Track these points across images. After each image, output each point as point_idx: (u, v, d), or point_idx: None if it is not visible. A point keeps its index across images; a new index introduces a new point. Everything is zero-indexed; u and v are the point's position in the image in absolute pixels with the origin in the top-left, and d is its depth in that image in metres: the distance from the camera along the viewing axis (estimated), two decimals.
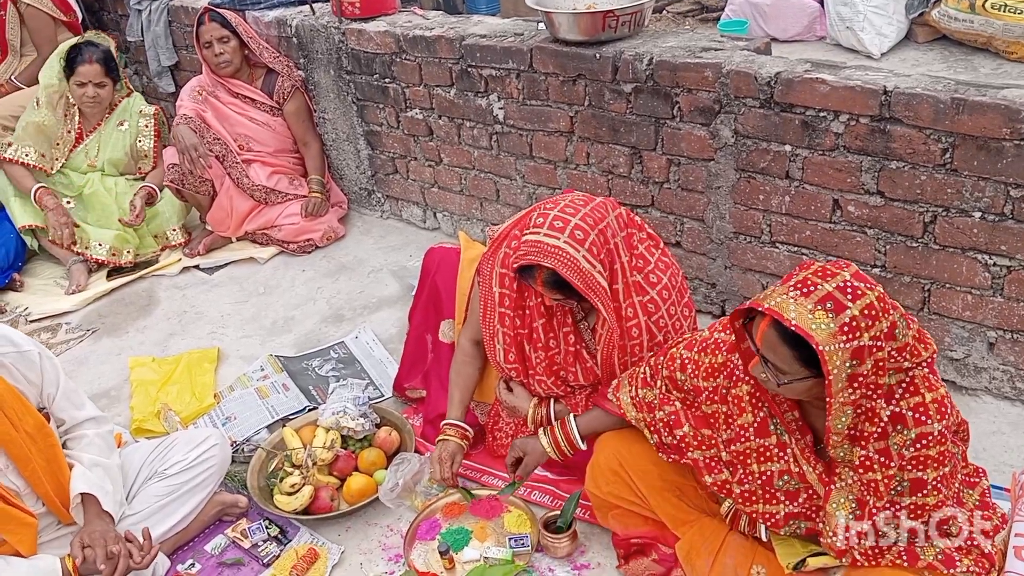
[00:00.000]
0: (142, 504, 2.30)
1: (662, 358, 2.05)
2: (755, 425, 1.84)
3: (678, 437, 1.98)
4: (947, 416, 1.65)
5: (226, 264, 3.88)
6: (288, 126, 3.91)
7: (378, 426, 2.66)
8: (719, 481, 1.93)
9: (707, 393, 1.92)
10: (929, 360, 1.68)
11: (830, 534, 1.77)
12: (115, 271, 3.87)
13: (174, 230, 3.99)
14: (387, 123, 3.73)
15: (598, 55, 2.84)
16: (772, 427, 1.83)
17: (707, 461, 1.95)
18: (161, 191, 3.96)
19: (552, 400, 2.34)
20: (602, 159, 3.03)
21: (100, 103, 3.88)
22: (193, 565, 2.35)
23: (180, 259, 3.93)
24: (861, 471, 1.70)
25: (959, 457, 1.85)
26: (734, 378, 1.87)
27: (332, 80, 3.80)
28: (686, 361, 1.96)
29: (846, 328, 1.54)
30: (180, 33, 4.54)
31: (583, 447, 2.19)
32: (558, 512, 2.26)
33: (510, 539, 2.26)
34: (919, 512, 1.71)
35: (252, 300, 3.60)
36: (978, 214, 2.30)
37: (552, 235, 2.01)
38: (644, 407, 2.04)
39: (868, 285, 1.60)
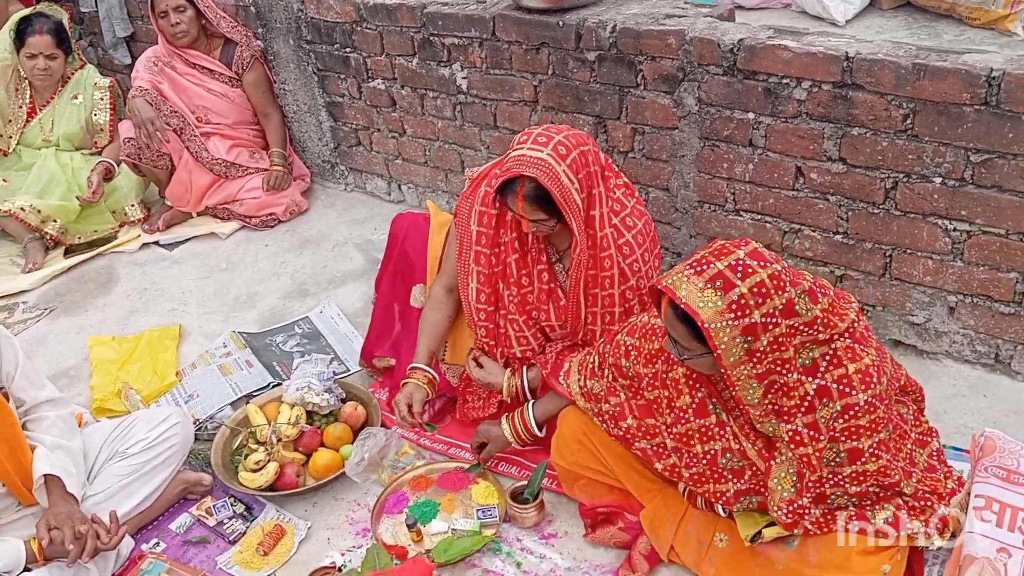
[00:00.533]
0: (104, 484, 2.26)
1: (609, 346, 2.05)
2: (694, 406, 1.87)
3: (623, 429, 2.00)
4: (873, 385, 1.67)
5: (187, 240, 3.81)
6: (247, 97, 3.83)
7: (343, 401, 2.64)
8: (668, 466, 1.96)
9: (648, 379, 1.95)
10: (849, 330, 1.69)
11: (775, 509, 1.80)
12: (73, 248, 3.78)
13: (132, 205, 3.91)
14: (349, 94, 3.67)
15: (561, 23, 2.80)
16: (711, 407, 1.86)
17: (654, 449, 1.98)
18: (119, 166, 3.87)
19: (525, 368, 2.35)
20: None
21: (51, 76, 3.77)
22: (158, 544, 2.33)
23: (139, 235, 3.85)
24: (792, 446, 1.73)
25: (910, 417, 1.88)
26: (671, 362, 1.89)
27: (292, 50, 3.73)
28: (629, 348, 1.98)
29: (734, 306, 1.58)
30: (135, 2, 4.40)
31: (540, 434, 2.25)
32: (525, 483, 2.26)
33: (478, 511, 2.26)
34: (862, 478, 1.73)
35: (214, 276, 3.54)
36: (938, 179, 2.31)
37: (536, 148, 2.05)
38: (592, 397, 2.07)
39: (761, 263, 1.62)
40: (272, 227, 3.83)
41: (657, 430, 1.95)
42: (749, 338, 1.60)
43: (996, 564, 1.84)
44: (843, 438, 1.69)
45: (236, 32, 3.75)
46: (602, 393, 2.04)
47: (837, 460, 1.72)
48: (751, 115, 2.55)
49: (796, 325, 1.63)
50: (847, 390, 1.66)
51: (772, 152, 2.57)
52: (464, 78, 3.20)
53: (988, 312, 2.41)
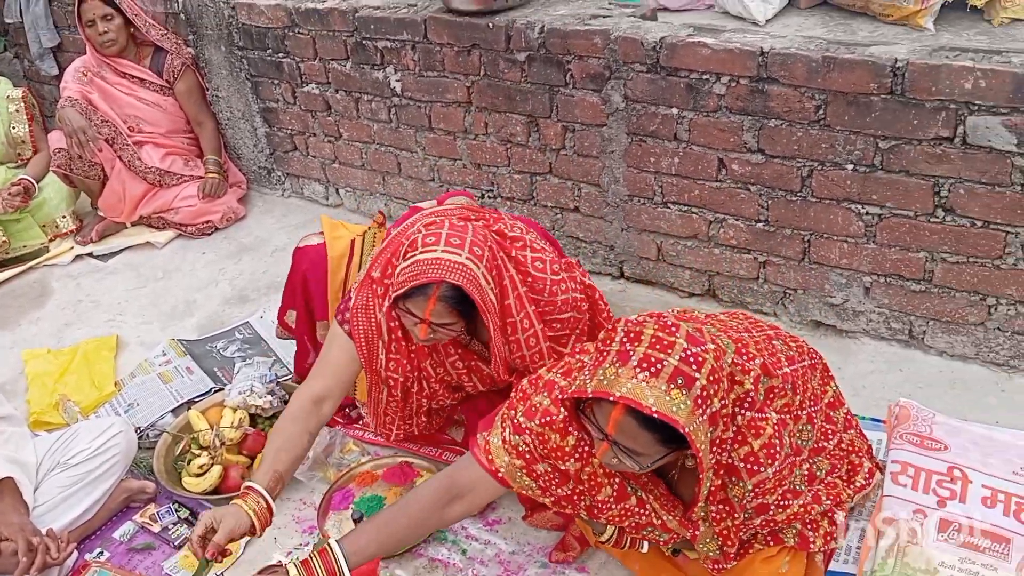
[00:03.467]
0: (46, 496, 2.25)
1: (521, 429, 1.78)
2: (614, 495, 1.77)
3: (564, 492, 1.81)
4: (777, 456, 1.64)
5: (121, 250, 3.77)
6: (180, 105, 3.81)
7: (286, 403, 2.66)
8: (608, 517, 1.85)
9: (564, 470, 1.76)
10: (749, 398, 1.63)
11: (703, 563, 1.82)
12: (2, 263, 3.71)
13: (64, 217, 3.85)
14: (283, 99, 3.68)
15: (491, 24, 2.87)
16: (629, 490, 1.77)
17: (586, 509, 1.85)
18: (39, 181, 3.80)
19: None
20: (500, 128, 3.07)
21: None
22: (102, 553, 2.32)
23: (72, 247, 3.81)
24: (714, 524, 1.71)
25: (815, 428, 1.85)
26: (585, 459, 1.74)
27: (224, 56, 3.72)
28: (536, 443, 1.76)
29: (699, 400, 1.48)
30: (61, 12, 4.36)
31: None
32: None
33: None
34: (772, 524, 1.75)
35: (150, 285, 3.52)
36: (850, 166, 2.44)
37: (452, 252, 1.92)
38: (519, 455, 1.79)
39: (703, 347, 1.52)
40: (209, 235, 3.81)
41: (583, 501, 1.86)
42: (712, 428, 1.53)
43: (913, 525, 1.96)
44: (752, 499, 1.69)
45: (166, 40, 3.73)
46: (529, 456, 1.78)
47: (747, 515, 1.73)
48: (675, 110, 2.65)
49: (736, 399, 1.60)
50: (755, 467, 1.64)
51: (695, 145, 2.67)
52: (398, 81, 3.24)
53: (901, 291, 2.55)
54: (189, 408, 2.66)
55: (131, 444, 2.40)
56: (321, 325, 2.61)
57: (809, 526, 1.80)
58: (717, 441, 1.55)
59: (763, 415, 1.64)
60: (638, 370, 1.48)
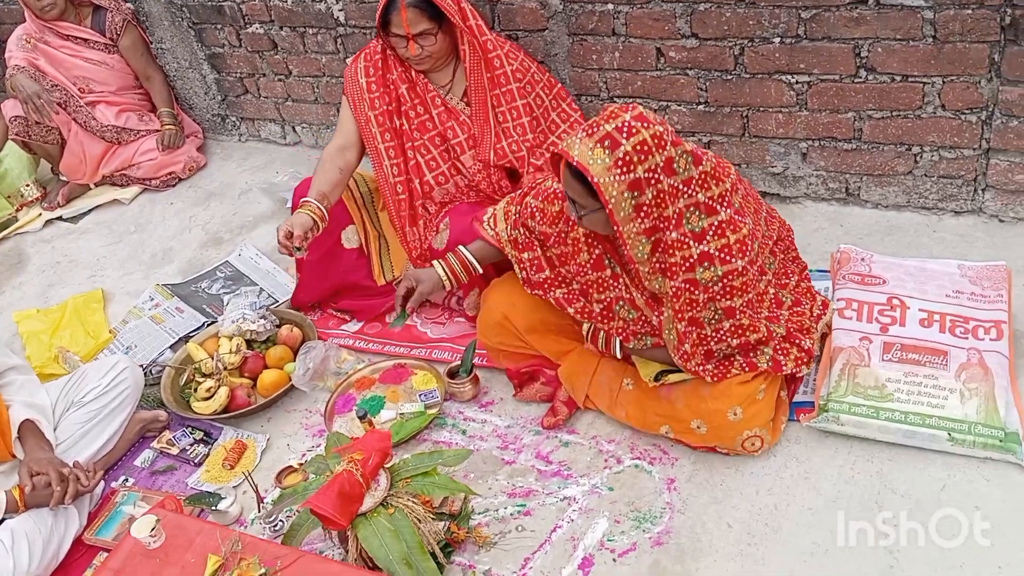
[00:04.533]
0: (66, 433, 2.39)
1: (518, 205, 2.25)
2: (591, 261, 2.09)
3: (541, 279, 2.21)
4: (748, 252, 1.89)
5: (89, 210, 3.85)
6: (126, 62, 3.84)
7: (278, 327, 2.81)
8: (579, 309, 2.19)
9: (553, 237, 2.16)
10: (726, 198, 1.88)
11: (674, 356, 2.05)
12: None
13: (27, 186, 3.91)
14: (228, 43, 3.74)
15: None
16: (606, 262, 2.08)
17: (566, 296, 2.20)
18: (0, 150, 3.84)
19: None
20: None
21: None
22: (127, 480, 2.49)
23: (40, 214, 3.87)
24: (674, 300, 1.94)
25: (773, 267, 2.13)
26: (571, 224, 2.08)
27: (164, 7, 3.75)
28: (534, 210, 2.17)
29: (620, 162, 1.74)
30: None
31: (480, 270, 2.35)
32: (459, 363, 2.51)
33: (420, 395, 2.50)
34: (739, 331, 1.99)
35: (125, 240, 3.61)
36: (777, 39, 2.60)
37: None
38: (516, 246, 2.24)
39: (645, 124, 1.77)
40: (173, 186, 3.89)
41: (567, 279, 2.19)
42: (635, 193, 1.78)
43: (860, 350, 2.20)
44: (720, 297, 1.93)
45: None
46: (523, 243, 2.22)
47: (716, 318, 1.96)
48: (611, 6, 2.78)
49: (676, 184, 1.83)
50: (727, 258, 1.88)
51: (633, 38, 2.81)
52: (340, 10, 3.32)
53: (835, 151, 2.75)
54: (186, 342, 2.80)
55: (138, 378, 2.54)
56: (350, 229, 2.77)
57: (780, 352, 2.03)
58: (648, 209, 1.82)
59: (742, 219, 1.90)
60: (582, 133, 1.80)
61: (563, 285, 2.21)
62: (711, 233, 1.88)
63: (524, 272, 2.25)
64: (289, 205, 3.01)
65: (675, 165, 1.82)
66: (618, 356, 2.24)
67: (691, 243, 1.88)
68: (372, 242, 2.80)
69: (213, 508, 2.25)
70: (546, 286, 2.22)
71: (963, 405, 2.04)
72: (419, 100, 2.61)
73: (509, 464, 2.29)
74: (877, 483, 2.02)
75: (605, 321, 2.18)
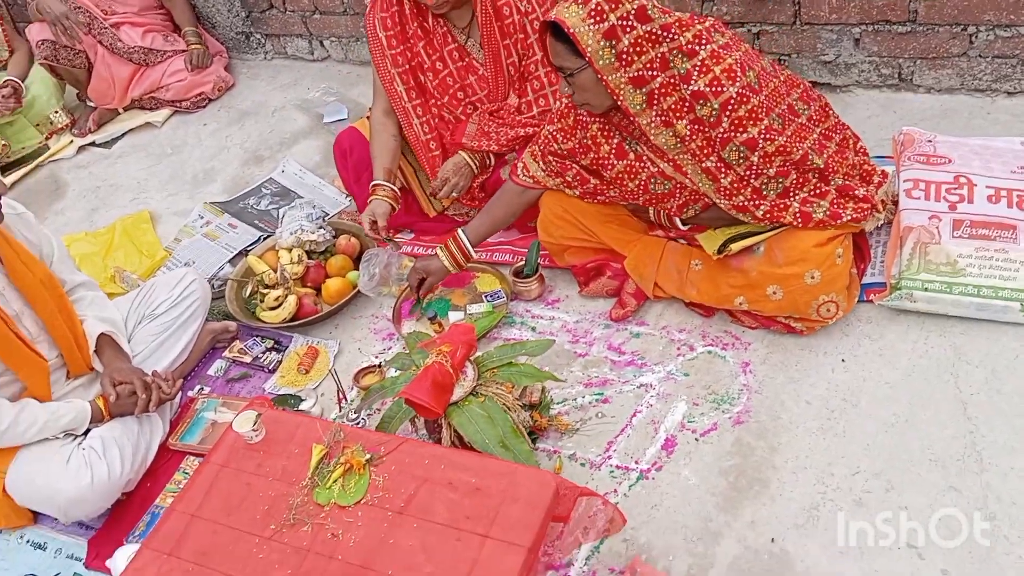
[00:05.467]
0: (141, 345, 2.42)
1: (541, 142, 2.30)
2: (613, 151, 2.16)
3: (592, 187, 2.27)
4: (739, 78, 1.93)
5: (122, 135, 3.82)
6: None
7: (335, 237, 2.82)
8: (628, 196, 2.25)
9: (578, 149, 2.22)
10: (702, 37, 1.94)
11: (720, 203, 2.09)
12: (6, 168, 3.75)
13: (56, 112, 3.87)
14: None
15: None
16: (627, 147, 2.15)
17: (619, 193, 2.25)
18: (24, 80, 3.78)
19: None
20: None
21: None
22: (202, 389, 2.53)
23: (71, 141, 3.84)
24: (690, 142, 2.00)
25: (807, 112, 2.09)
26: (585, 126, 2.17)
27: None
28: (554, 133, 2.24)
29: (592, 12, 1.87)
30: None
31: (475, 255, 2.45)
32: (523, 263, 2.53)
33: (486, 296, 2.53)
34: (771, 160, 1.99)
35: (163, 161, 3.59)
36: None
37: None
38: (555, 173, 2.30)
39: None
40: (204, 107, 3.86)
41: (610, 180, 2.24)
42: (612, 41, 1.88)
43: (930, 228, 2.21)
44: (734, 134, 1.96)
45: None
46: (560, 168, 2.29)
47: (741, 155, 1.99)
48: None
49: (653, 30, 1.90)
50: (719, 89, 1.93)
51: None
52: None
53: (888, 35, 2.72)
54: (245, 256, 2.81)
55: (206, 289, 2.56)
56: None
57: (836, 204, 2.07)
58: (628, 56, 1.90)
59: (726, 51, 1.96)
60: (561, 3, 1.92)
61: (609, 187, 2.26)
62: (696, 71, 1.93)
63: (577, 189, 2.30)
64: (322, 112, 2.95)
65: (649, 12, 1.90)
66: (681, 228, 2.28)
67: (680, 85, 1.95)
68: (411, 179, 2.79)
69: (296, 410, 2.29)
70: (596, 192, 2.28)
71: None
72: (437, 56, 2.56)
73: (582, 356, 2.33)
74: (952, 356, 2.07)
75: (653, 203, 2.23)
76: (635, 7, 1.89)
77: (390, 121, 2.64)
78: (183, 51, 3.82)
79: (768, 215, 2.08)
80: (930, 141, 2.39)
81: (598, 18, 1.87)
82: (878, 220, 2.16)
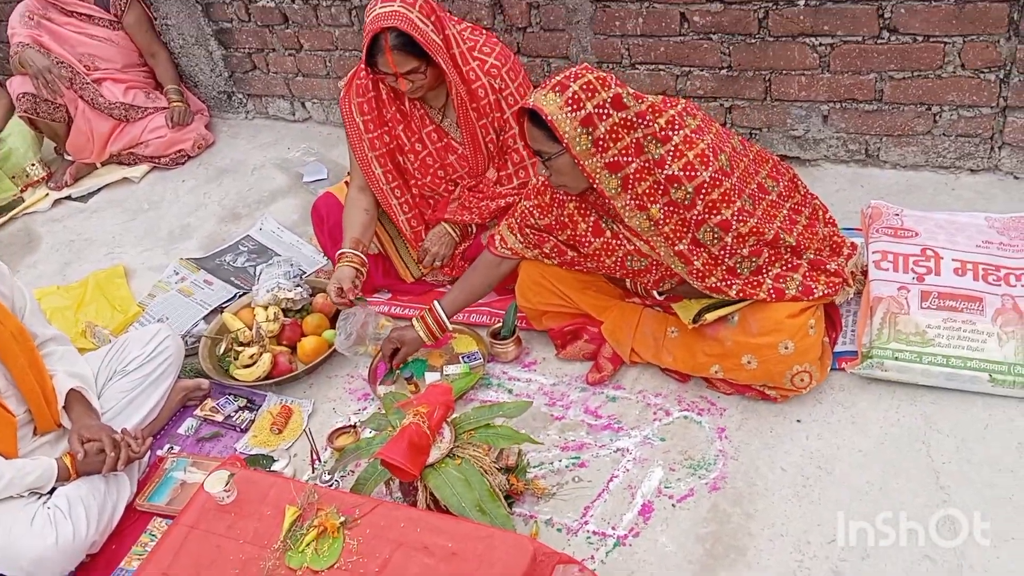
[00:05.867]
0: (111, 402, 2.38)
1: (518, 215, 2.35)
2: (590, 229, 2.21)
3: (569, 259, 2.32)
4: (711, 163, 2.00)
5: (99, 189, 3.82)
6: (131, 38, 3.81)
7: (312, 295, 2.82)
8: (606, 270, 2.30)
9: (554, 224, 2.27)
10: (675, 123, 2.01)
11: (694, 283, 2.15)
12: None
13: (33, 165, 3.86)
14: (237, 18, 3.71)
15: None
16: (604, 225, 2.20)
17: (596, 266, 2.30)
18: (1, 132, 3.78)
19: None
20: (465, 14, 3.20)
21: None
22: (172, 448, 2.49)
23: (47, 194, 3.83)
24: (664, 225, 2.05)
25: (776, 189, 2.19)
26: (562, 204, 2.23)
27: None
28: (531, 208, 2.30)
29: (570, 100, 1.93)
30: None
31: (449, 328, 2.46)
32: (500, 324, 2.54)
33: (463, 357, 2.53)
34: (744, 240, 2.06)
35: (139, 217, 3.59)
36: (802, 2, 2.66)
37: (386, 4, 2.30)
38: (533, 245, 2.35)
39: (590, 71, 1.97)
40: (183, 164, 3.88)
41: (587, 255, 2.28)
42: (589, 128, 1.93)
43: (899, 299, 2.27)
44: (708, 216, 2.03)
45: None
46: (539, 242, 2.33)
47: (715, 236, 2.05)
48: None
49: (628, 116, 1.96)
50: (692, 173, 1.99)
51: (657, 3, 2.86)
52: None
53: (855, 113, 2.83)
54: (221, 313, 2.80)
55: (180, 346, 2.54)
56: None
57: (809, 279, 2.12)
58: (604, 142, 1.96)
59: (698, 135, 2.03)
60: (538, 88, 1.99)
61: (585, 259, 2.29)
62: (670, 156, 2.00)
63: (554, 260, 2.34)
64: (302, 171, 3.02)
65: (624, 100, 1.97)
66: (657, 298, 2.32)
67: (655, 169, 2.01)
68: (388, 246, 2.82)
69: (268, 471, 2.26)
70: (575, 263, 2.32)
71: (1001, 347, 2.12)
72: (416, 138, 2.59)
73: (559, 420, 2.34)
74: (923, 424, 2.10)
75: (630, 276, 2.28)
76: (611, 95, 1.95)
77: (364, 197, 2.67)
78: (164, 108, 3.85)
79: (741, 293, 2.14)
80: (897, 215, 2.47)
81: (575, 106, 1.93)
82: (848, 294, 2.22)
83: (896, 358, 2.16)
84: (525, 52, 3.20)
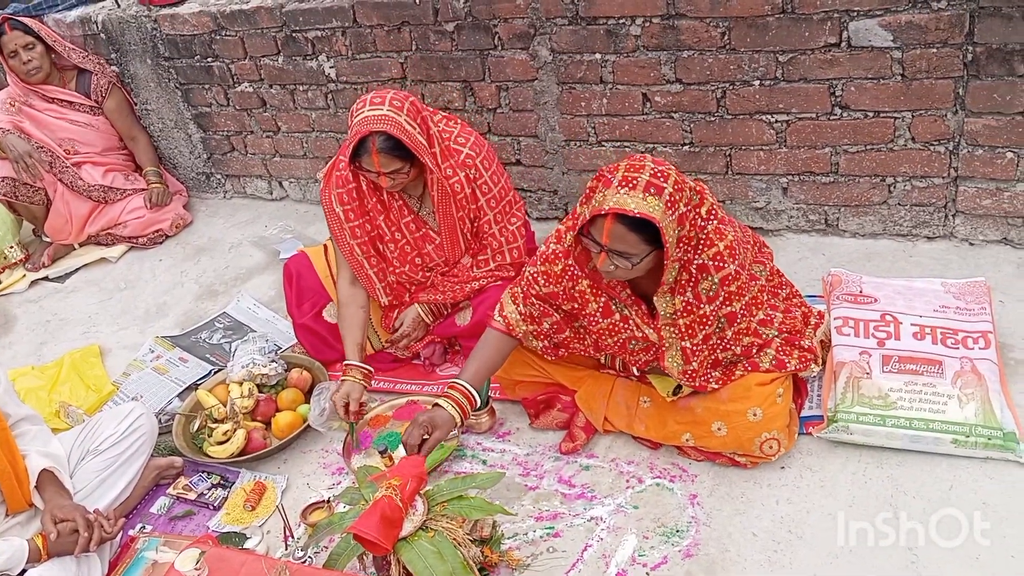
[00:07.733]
0: (83, 482, 2.36)
1: (523, 282, 2.30)
2: (600, 310, 2.22)
3: (561, 339, 2.34)
4: (737, 256, 2.04)
5: (76, 270, 3.84)
6: (111, 123, 3.90)
7: (287, 371, 2.84)
8: (603, 349, 2.33)
9: (561, 295, 2.26)
10: (713, 212, 2.02)
11: (680, 380, 2.20)
12: None
13: (11, 247, 3.89)
14: (216, 102, 3.82)
15: (417, 0, 3.11)
16: (613, 307, 2.21)
17: (585, 349, 2.35)
18: None
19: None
20: (437, 97, 3.32)
21: None
22: (144, 527, 2.46)
23: (24, 275, 3.85)
24: (683, 315, 2.09)
25: (764, 273, 2.27)
26: (574, 279, 2.20)
27: (150, 69, 3.83)
28: (537, 275, 2.26)
29: (669, 203, 1.88)
30: None
31: (478, 400, 2.30)
32: None
33: None
34: (742, 335, 2.14)
35: (116, 296, 3.61)
36: (757, 82, 2.80)
37: (375, 108, 2.36)
38: (531, 319, 2.30)
39: (666, 167, 1.93)
40: (160, 243, 3.92)
41: (584, 333, 2.31)
42: (680, 227, 1.93)
43: (861, 364, 2.33)
44: (721, 304, 2.08)
45: (88, 61, 3.81)
46: (539, 315, 2.29)
47: (720, 326, 2.12)
48: (598, 56, 2.96)
49: (693, 207, 1.99)
50: (721, 264, 2.02)
51: (620, 85, 2.99)
52: (332, 67, 3.44)
53: (813, 185, 2.94)
54: (196, 390, 2.80)
55: (153, 424, 2.53)
56: (330, 306, 2.86)
57: (782, 352, 2.16)
58: (684, 239, 1.96)
59: (726, 226, 2.05)
60: (619, 187, 1.89)
61: (580, 341, 2.34)
62: (702, 244, 2.02)
63: (544, 341, 2.33)
64: (279, 248, 3.08)
65: (692, 194, 1.98)
66: (635, 374, 2.35)
67: (690, 258, 2.03)
68: None
69: (240, 548, 2.24)
70: (563, 345, 2.34)
71: (962, 409, 2.17)
72: (396, 228, 2.65)
73: (533, 490, 2.35)
74: (889, 487, 2.13)
75: (621, 356, 2.30)
76: (689, 190, 1.94)
77: (358, 291, 2.69)
78: (143, 189, 3.92)
79: (719, 381, 2.20)
80: (855, 281, 2.55)
81: (673, 208, 1.89)
82: (813, 371, 2.28)
83: (861, 421, 2.20)
84: (495, 131, 3.31)
